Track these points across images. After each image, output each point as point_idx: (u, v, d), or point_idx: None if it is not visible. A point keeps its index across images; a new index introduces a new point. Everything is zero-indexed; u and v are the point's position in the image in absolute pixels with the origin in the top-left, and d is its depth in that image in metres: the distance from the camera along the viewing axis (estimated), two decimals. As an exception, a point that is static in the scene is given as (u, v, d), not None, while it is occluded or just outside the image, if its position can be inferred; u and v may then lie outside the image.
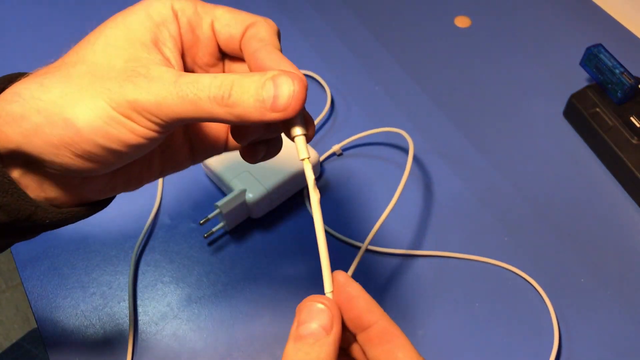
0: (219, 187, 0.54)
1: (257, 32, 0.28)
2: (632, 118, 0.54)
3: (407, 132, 0.53)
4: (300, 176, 0.52)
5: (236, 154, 0.52)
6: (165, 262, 0.50)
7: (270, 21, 0.29)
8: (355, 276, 0.49)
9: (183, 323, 0.47)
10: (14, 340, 0.82)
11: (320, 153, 0.55)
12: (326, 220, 0.52)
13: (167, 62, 0.27)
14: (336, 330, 0.26)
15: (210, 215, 0.49)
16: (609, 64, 0.54)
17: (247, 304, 0.48)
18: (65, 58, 0.27)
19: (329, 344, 0.26)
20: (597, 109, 0.55)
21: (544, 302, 0.47)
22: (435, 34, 0.67)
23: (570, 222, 0.52)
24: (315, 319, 0.26)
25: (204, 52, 0.30)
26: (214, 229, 0.50)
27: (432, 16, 0.69)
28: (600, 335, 0.46)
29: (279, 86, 0.26)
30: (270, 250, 0.50)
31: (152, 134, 0.26)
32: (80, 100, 0.25)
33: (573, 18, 0.68)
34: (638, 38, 0.66)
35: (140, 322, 0.47)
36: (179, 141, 0.33)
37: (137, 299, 0.48)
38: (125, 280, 0.49)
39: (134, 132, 0.26)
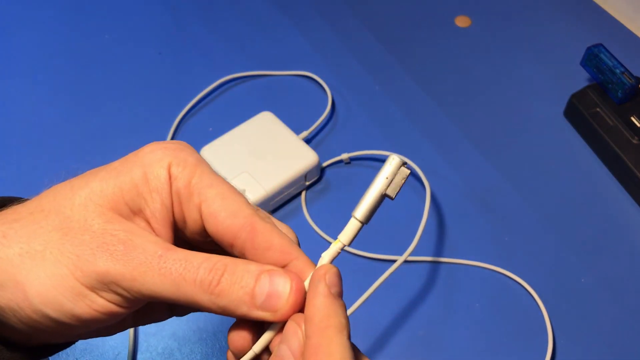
0: (219, 188, 0.54)
1: (268, 235, 0.25)
2: (632, 118, 0.54)
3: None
4: (300, 178, 0.52)
5: (236, 154, 0.52)
6: (165, 262, 0.50)
7: (270, 223, 0.25)
8: (357, 281, 0.49)
9: (183, 323, 0.47)
10: (14, 341, 0.82)
11: (322, 155, 0.55)
12: (323, 227, 0.52)
13: (153, 232, 0.24)
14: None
15: (210, 216, 0.49)
16: (610, 63, 0.54)
17: (247, 305, 0.48)
18: (42, 200, 0.24)
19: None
20: (598, 109, 0.55)
21: (538, 305, 0.47)
22: (436, 34, 0.67)
23: (570, 221, 0.52)
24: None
25: (191, 230, 0.26)
26: (213, 230, 0.50)
27: (432, 16, 0.68)
28: (599, 337, 0.46)
29: (275, 284, 0.23)
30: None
31: (115, 310, 0.23)
32: (40, 264, 0.22)
33: (573, 18, 0.68)
34: (639, 38, 0.65)
35: (140, 323, 0.47)
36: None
37: (137, 299, 0.48)
38: (125, 280, 0.49)
39: (93, 306, 0.23)
